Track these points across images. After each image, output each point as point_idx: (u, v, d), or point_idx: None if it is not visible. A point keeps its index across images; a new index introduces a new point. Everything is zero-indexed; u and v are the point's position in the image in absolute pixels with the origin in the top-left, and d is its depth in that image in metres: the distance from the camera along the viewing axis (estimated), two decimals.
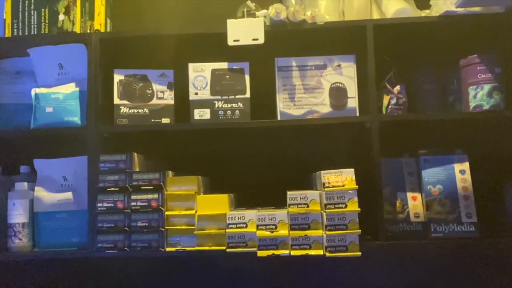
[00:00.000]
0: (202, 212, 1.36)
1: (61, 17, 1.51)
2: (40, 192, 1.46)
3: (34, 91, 1.45)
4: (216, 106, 1.45)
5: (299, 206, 1.32)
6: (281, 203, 1.39)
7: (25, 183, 1.45)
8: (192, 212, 1.37)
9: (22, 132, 1.48)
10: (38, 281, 1.65)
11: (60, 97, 1.44)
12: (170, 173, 1.43)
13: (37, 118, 1.44)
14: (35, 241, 1.45)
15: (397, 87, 1.46)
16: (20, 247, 1.42)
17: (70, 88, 1.47)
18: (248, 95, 1.45)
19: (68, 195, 1.46)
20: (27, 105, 1.49)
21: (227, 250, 1.33)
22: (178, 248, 1.37)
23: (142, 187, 1.38)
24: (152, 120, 1.46)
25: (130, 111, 1.46)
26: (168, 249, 1.36)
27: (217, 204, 1.37)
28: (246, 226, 1.33)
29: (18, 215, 1.42)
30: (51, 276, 1.65)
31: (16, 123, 1.51)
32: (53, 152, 1.51)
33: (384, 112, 1.46)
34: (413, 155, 1.48)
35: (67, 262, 1.58)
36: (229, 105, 1.45)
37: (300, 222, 1.32)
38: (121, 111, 1.46)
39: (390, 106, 1.46)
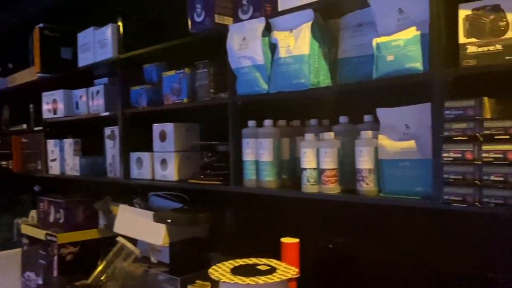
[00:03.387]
0: None
1: None
2: (384, 140, 1.49)
3: (375, 41, 1.47)
4: None
5: None
6: None
7: (370, 132, 1.52)
8: None
9: (365, 83, 1.54)
10: (382, 223, 1.74)
11: (400, 43, 1.40)
12: None
13: (379, 68, 1.45)
14: (380, 186, 1.51)
15: None
16: (366, 191, 1.51)
17: (411, 33, 1.40)
18: None
19: (411, 143, 1.43)
20: (369, 56, 1.53)
21: None
22: None
23: (495, 137, 1.20)
24: (507, 58, 1.23)
25: (478, 49, 1.28)
26: None
27: None
28: None
29: (364, 161, 1.51)
30: (393, 221, 1.71)
31: (359, 75, 1.58)
32: (395, 100, 1.51)
33: None
34: None
35: (410, 210, 1.58)
36: None
37: None
38: (468, 51, 1.29)
39: None
